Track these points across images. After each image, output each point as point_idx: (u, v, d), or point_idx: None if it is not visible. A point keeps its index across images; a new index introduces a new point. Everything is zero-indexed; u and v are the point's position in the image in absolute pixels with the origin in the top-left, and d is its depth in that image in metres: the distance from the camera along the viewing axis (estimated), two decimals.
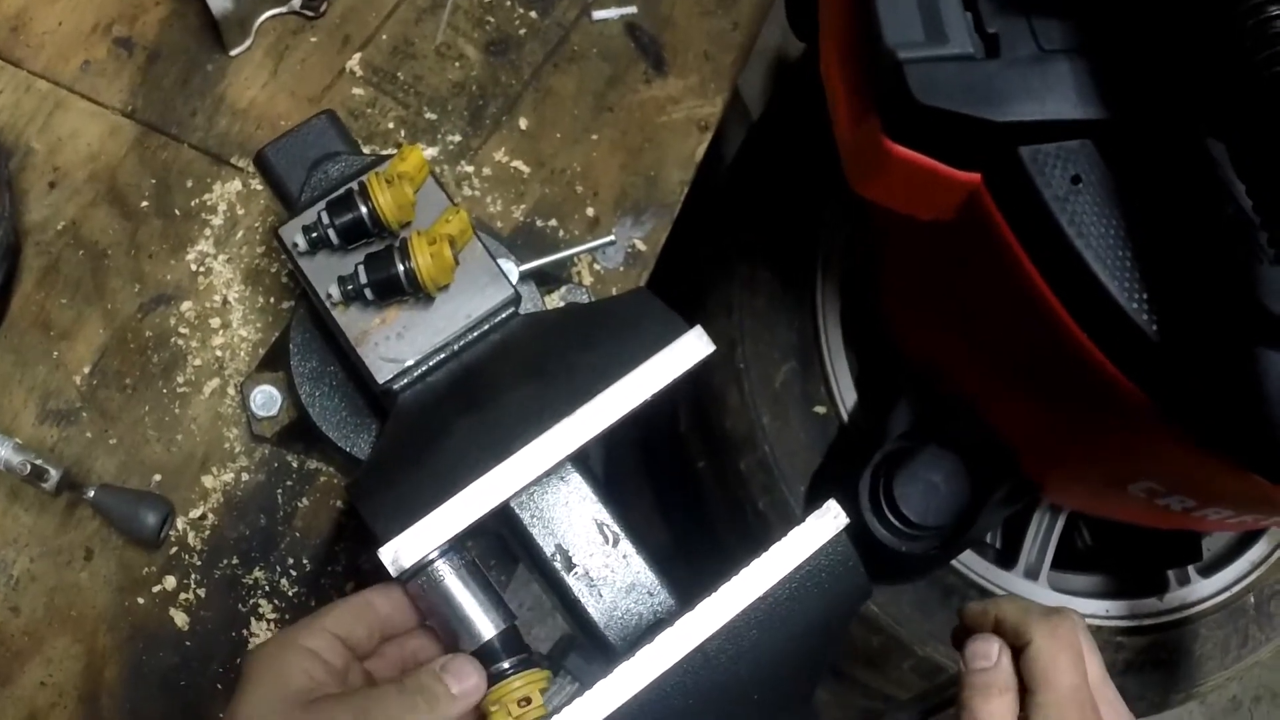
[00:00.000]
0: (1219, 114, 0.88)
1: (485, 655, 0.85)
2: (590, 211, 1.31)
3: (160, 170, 1.27)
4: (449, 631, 0.86)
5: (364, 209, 0.96)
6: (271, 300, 1.24)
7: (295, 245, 0.98)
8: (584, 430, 0.89)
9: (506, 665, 0.84)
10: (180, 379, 1.21)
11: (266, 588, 1.18)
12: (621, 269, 1.30)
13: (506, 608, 0.87)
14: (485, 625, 0.85)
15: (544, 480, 0.91)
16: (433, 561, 0.85)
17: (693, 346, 0.92)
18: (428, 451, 0.91)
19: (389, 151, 1.20)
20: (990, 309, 1.08)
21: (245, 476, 1.20)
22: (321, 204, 0.98)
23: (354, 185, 0.98)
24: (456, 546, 0.86)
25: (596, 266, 1.30)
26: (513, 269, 1.08)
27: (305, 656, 0.84)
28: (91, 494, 1.14)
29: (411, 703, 0.81)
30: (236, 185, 1.27)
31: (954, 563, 1.38)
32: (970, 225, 0.97)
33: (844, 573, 0.90)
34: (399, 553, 0.84)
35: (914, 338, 1.31)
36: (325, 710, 0.80)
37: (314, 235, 0.97)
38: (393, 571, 0.84)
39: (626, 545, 0.93)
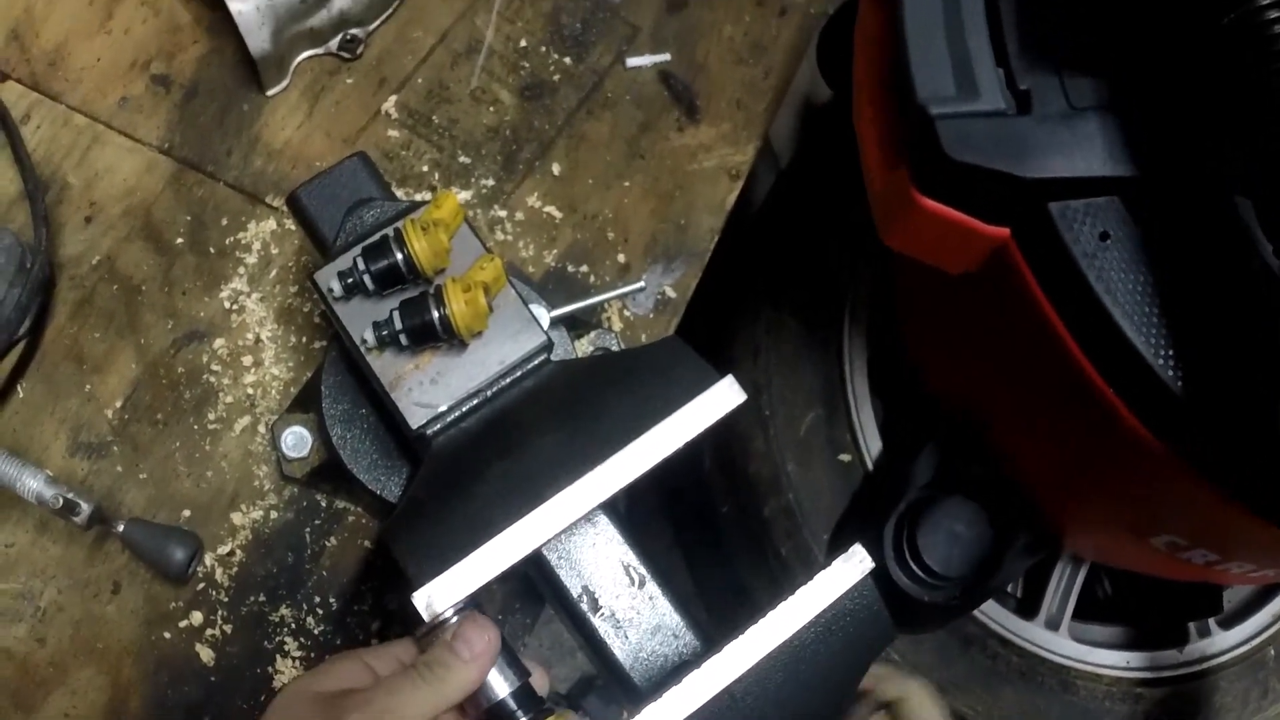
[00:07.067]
0: (1246, 171, 0.89)
1: (502, 713, 0.84)
2: (621, 257, 1.32)
3: (195, 207, 1.29)
4: None
5: (399, 255, 0.97)
6: (303, 339, 1.25)
7: (330, 290, 0.99)
8: (615, 478, 0.89)
9: None
10: (211, 415, 1.22)
11: (293, 625, 1.19)
12: (651, 315, 1.31)
13: (520, 664, 0.86)
14: (500, 683, 0.84)
15: (573, 524, 0.91)
16: (449, 620, 0.85)
17: (724, 395, 0.92)
18: (461, 496, 0.91)
19: (423, 197, 1.20)
20: (1016, 362, 1.08)
21: (274, 514, 1.21)
22: (356, 249, 0.99)
23: (389, 231, 0.99)
24: (471, 604, 0.86)
25: (626, 312, 1.30)
26: (544, 314, 1.08)
27: (355, 664, 0.85)
28: (121, 528, 1.14)
29: (426, 677, 0.81)
30: (271, 224, 1.28)
31: (975, 612, 1.39)
32: (997, 279, 0.98)
33: (868, 617, 0.90)
34: (432, 598, 0.84)
35: (940, 387, 1.31)
36: (343, 701, 0.80)
37: (349, 281, 0.98)
38: (425, 616, 0.84)
39: (653, 587, 0.93)
